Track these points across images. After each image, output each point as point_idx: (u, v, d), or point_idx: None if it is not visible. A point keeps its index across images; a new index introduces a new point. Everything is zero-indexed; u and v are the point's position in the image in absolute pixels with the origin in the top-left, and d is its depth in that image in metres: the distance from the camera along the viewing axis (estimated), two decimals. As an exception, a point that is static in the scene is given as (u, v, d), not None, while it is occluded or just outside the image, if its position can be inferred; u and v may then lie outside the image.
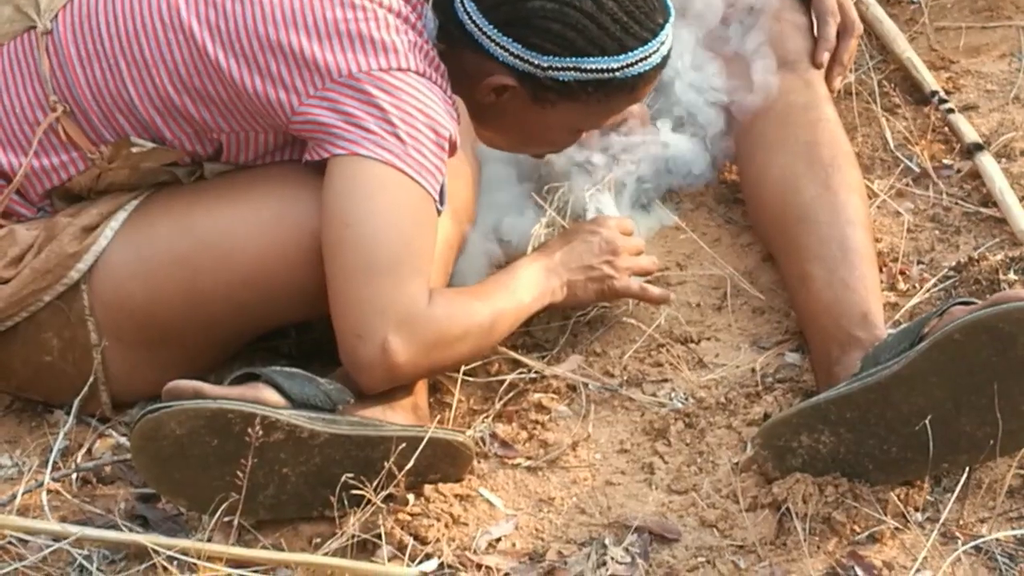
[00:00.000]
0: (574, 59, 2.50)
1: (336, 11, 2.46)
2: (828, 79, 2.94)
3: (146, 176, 2.56)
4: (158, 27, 2.49)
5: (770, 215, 2.81)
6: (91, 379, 2.56)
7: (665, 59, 2.56)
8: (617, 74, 2.52)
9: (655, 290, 2.75)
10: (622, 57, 2.51)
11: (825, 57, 2.93)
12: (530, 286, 2.62)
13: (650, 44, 2.52)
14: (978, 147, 3.07)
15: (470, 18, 2.51)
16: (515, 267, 2.65)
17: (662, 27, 2.53)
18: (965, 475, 2.43)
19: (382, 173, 2.44)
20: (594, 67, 2.51)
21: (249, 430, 2.33)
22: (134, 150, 2.53)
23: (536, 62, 2.51)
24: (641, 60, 2.53)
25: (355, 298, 2.44)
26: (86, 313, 2.54)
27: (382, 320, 2.42)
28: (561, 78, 2.51)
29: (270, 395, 2.39)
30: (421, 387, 2.58)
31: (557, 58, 2.50)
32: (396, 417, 2.48)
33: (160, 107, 2.51)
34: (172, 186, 2.58)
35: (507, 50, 2.51)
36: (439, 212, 2.50)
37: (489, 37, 2.50)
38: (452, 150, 2.52)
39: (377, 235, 2.43)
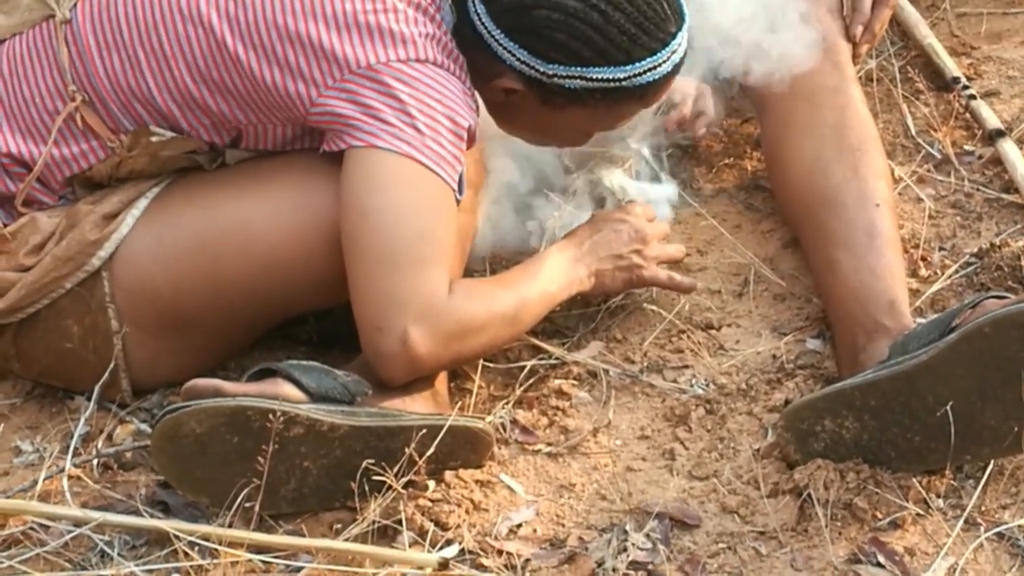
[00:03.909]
0: (579, 68, 2.49)
1: (355, 3, 2.46)
2: (856, 46, 2.93)
3: (166, 164, 2.56)
4: (177, 18, 2.49)
5: (797, 198, 2.80)
6: (111, 365, 2.56)
7: (677, 67, 2.54)
8: (624, 83, 2.51)
9: (682, 279, 2.74)
10: (628, 67, 2.50)
11: (859, 30, 2.92)
12: (557, 275, 2.62)
13: (659, 54, 2.50)
14: (1000, 133, 3.07)
15: (480, 20, 2.51)
16: (542, 256, 2.65)
17: (673, 36, 2.51)
18: (987, 463, 2.43)
19: (400, 164, 2.44)
20: (600, 76, 2.50)
21: (269, 424, 2.33)
22: (153, 139, 2.53)
23: (542, 69, 2.50)
24: (649, 70, 2.51)
25: (374, 290, 2.44)
26: (107, 300, 2.54)
27: (401, 312, 2.42)
28: (567, 85, 2.51)
29: (289, 390, 2.39)
30: (441, 375, 2.57)
31: (562, 67, 2.49)
32: (416, 406, 2.48)
33: (178, 98, 2.51)
34: (193, 173, 2.58)
35: (514, 55, 2.50)
36: (458, 202, 2.50)
37: (497, 41, 2.50)
38: (471, 140, 2.52)
39: (395, 227, 2.43)
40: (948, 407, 2.37)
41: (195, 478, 2.37)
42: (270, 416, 2.33)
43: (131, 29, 2.51)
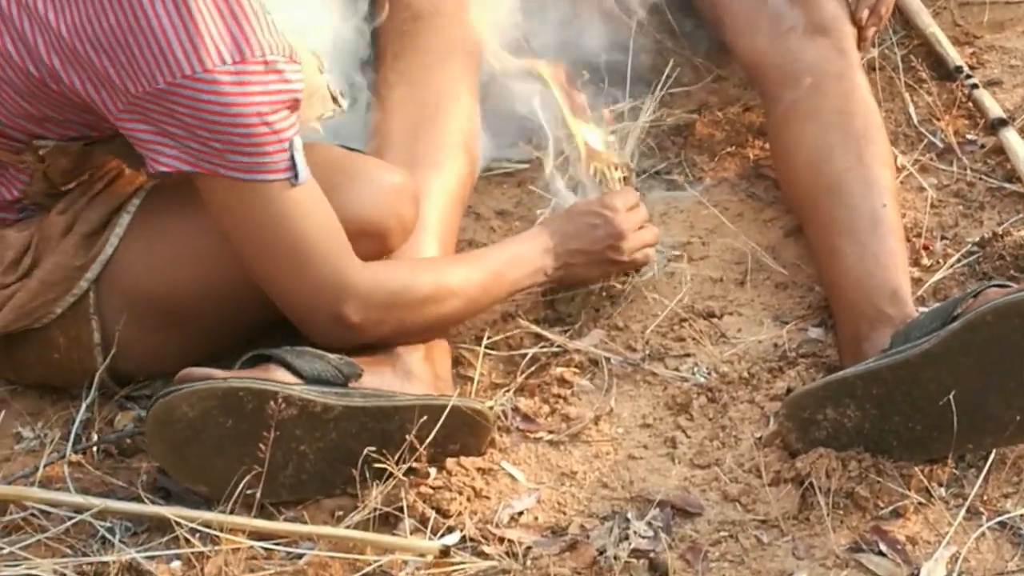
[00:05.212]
0: None
1: (118, 16, 2.32)
2: (862, 30, 2.93)
3: (88, 157, 2.51)
4: None
5: (801, 185, 2.79)
6: (96, 379, 2.55)
7: None
8: None
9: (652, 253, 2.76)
10: None
11: (865, 14, 2.92)
12: (520, 261, 2.62)
13: None
14: (1002, 122, 3.07)
15: None
16: (510, 241, 2.67)
17: None
18: (990, 452, 2.43)
19: (214, 186, 2.38)
20: None
21: (265, 405, 2.32)
22: (41, 152, 2.48)
23: None
24: None
25: (280, 296, 2.45)
26: (90, 312, 2.52)
27: (318, 306, 2.43)
28: None
29: (282, 374, 2.39)
30: (442, 358, 2.58)
31: None
32: (415, 389, 2.48)
33: (28, 118, 2.44)
34: (176, 185, 2.54)
35: None
36: (297, 184, 2.39)
37: None
38: (293, 107, 2.39)
39: (255, 245, 2.40)
40: (951, 396, 2.37)
41: (191, 465, 2.37)
42: (262, 397, 2.33)
43: None
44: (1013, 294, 2.35)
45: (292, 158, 2.38)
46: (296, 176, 2.39)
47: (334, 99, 2.55)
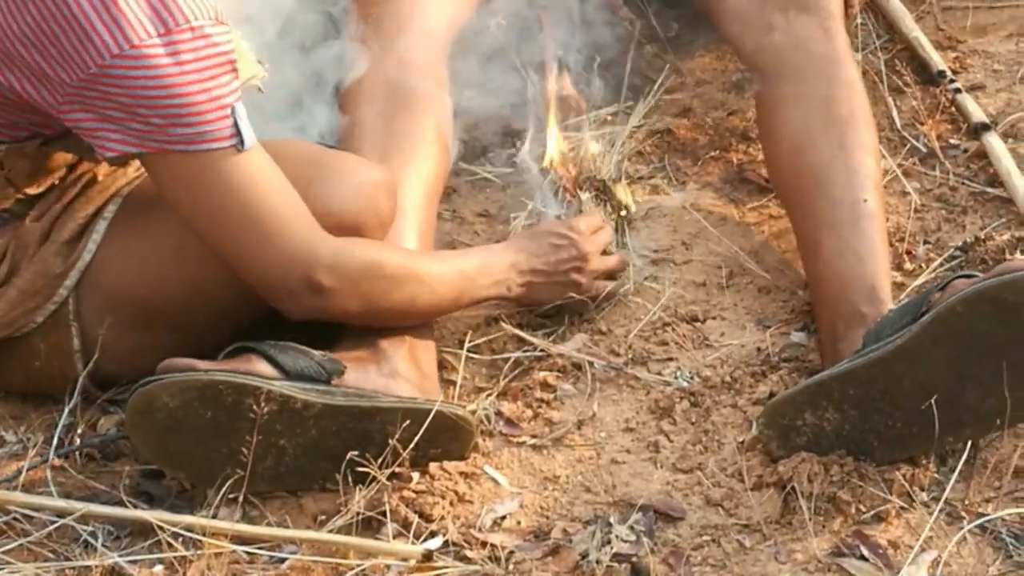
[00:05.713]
0: None
1: (38, 6, 2.30)
2: (848, 5, 2.92)
3: (48, 156, 2.51)
4: None
5: (786, 172, 2.78)
6: (79, 385, 2.55)
7: None
8: None
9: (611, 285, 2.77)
10: None
11: None
12: (489, 271, 2.63)
13: None
14: (985, 127, 3.07)
15: None
16: (479, 249, 2.71)
17: None
18: (969, 453, 2.42)
19: (163, 164, 2.37)
20: None
21: (245, 399, 2.32)
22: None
23: None
24: None
25: (248, 269, 2.43)
26: (70, 318, 2.53)
27: (287, 272, 2.42)
28: None
29: (263, 367, 2.39)
30: (427, 357, 2.58)
31: None
32: (400, 389, 2.48)
33: None
34: (153, 188, 2.53)
35: None
36: (243, 150, 2.37)
37: None
38: (231, 70, 2.37)
39: (213, 218, 2.39)
40: (927, 390, 2.37)
41: (171, 453, 2.38)
42: (242, 391, 2.33)
43: None
44: (980, 283, 2.35)
45: (236, 124, 2.37)
46: (242, 142, 2.37)
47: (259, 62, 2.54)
